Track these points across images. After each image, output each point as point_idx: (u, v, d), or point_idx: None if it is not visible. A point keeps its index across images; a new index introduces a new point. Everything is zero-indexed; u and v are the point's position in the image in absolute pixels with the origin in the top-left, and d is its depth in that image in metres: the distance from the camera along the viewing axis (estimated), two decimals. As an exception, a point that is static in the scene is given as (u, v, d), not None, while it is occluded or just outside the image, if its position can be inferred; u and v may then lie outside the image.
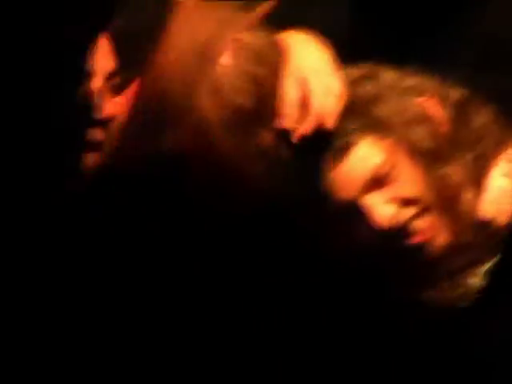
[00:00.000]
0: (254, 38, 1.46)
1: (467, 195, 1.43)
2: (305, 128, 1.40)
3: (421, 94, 1.48)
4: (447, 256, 1.42)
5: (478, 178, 1.44)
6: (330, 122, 1.40)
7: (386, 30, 1.65)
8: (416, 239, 1.42)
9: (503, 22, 1.67)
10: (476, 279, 1.44)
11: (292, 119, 1.41)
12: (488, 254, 1.44)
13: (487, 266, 1.44)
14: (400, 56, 1.52)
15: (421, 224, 1.42)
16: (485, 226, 1.43)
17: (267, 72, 1.43)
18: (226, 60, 1.44)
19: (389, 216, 1.40)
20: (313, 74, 1.43)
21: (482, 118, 1.46)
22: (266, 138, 1.42)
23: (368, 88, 1.47)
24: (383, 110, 1.44)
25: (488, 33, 1.62)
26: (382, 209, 1.40)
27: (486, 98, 1.50)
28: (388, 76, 1.49)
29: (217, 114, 1.40)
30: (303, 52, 1.45)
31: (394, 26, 1.64)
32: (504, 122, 1.49)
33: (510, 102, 1.51)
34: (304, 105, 1.41)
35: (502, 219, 1.44)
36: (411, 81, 1.49)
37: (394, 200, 1.40)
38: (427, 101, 1.47)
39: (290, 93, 1.42)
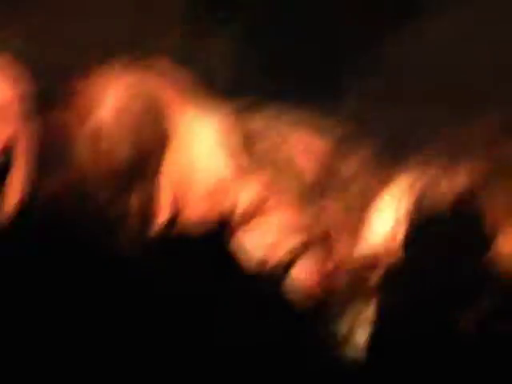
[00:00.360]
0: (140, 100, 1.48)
1: (341, 244, 1.44)
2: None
3: (298, 131, 1.49)
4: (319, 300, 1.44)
5: (352, 226, 1.44)
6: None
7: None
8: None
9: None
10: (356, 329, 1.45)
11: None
12: (361, 299, 1.45)
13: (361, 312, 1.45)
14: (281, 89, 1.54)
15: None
16: (363, 269, 1.44)
17: (149, 136, 1.46)
18: (108, 112, 1.47)
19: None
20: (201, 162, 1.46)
21: (351, 167, 1.47)
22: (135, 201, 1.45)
23: (251, 124, 1.50)
24: (262, 147, 1.46)
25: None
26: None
27: (371, 133, 1.51)
28: (269, 112, 1.51)
29: (94, 164, 1.44)
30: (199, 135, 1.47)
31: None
32: (380, 164, 1.49)
33: (396, 136, 1.52)
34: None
35: (385, 261, 1.45)
36: (290, 117, 1.51)
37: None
38: (298, 146, 1.48)
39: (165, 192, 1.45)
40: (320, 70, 1.63)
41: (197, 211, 1.44)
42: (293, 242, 1.46)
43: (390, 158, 1.50)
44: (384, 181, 1.45)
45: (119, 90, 1.50)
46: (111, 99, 1.50)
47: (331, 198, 1.44)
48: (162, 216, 1.44)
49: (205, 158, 1.48)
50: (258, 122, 1.50)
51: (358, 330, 1.44)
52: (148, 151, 1.48)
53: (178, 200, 1.44)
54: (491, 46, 1.69)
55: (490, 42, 1.67)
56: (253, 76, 1.60)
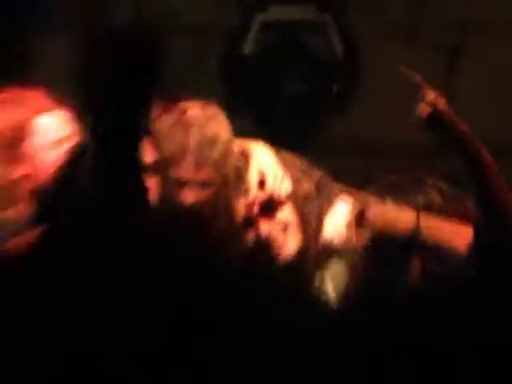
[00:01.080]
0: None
1: (317, 229, 2.36)
2: (261, 198, 2.32)
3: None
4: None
5: (321, 220, 2.44)
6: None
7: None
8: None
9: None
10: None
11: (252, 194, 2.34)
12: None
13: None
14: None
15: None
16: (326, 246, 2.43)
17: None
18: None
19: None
20: (267, 168, 2.41)
21: (323, 195, 2.43)
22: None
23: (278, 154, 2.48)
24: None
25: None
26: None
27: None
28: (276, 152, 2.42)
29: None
30: (261, 155, 2.45)
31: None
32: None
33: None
34: (261, 185, 2.35)
35: (337, 241, 2.41)
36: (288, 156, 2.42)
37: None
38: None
39: (254, 176, 2.38)
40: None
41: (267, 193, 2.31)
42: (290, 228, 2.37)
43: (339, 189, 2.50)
44: (333, 201, 2.44)
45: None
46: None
47: (313, 206, 2.38)
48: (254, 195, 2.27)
49: (269, 166, 2.39)
50: (283, 156, 2.47)
51: (328, 282, 2.34)
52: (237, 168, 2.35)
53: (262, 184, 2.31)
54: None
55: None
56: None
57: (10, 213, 1.96)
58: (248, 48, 3.96)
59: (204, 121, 2.31)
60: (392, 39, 3.98)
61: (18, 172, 1.96)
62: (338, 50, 3.86)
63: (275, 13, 4.05)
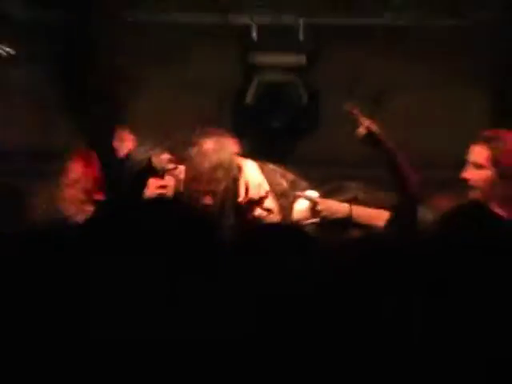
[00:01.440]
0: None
1: (289, 212, 3.15)
2: (247, 199, 3.02)
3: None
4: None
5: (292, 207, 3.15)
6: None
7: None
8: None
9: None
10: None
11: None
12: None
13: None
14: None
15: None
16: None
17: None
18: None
19: None
20: (251, 178, 3.05)
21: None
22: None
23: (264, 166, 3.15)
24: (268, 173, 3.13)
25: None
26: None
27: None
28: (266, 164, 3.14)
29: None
30: (248, 168, 3.07)
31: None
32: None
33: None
34: (246, 190, 3.03)
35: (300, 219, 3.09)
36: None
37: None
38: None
39: (242, 186, 3.02)
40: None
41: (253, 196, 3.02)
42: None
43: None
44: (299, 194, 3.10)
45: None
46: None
47: (287, 198, 3.14)
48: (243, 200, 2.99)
49: (253, 176, 3.08)
50: (267, 166, 3.15)
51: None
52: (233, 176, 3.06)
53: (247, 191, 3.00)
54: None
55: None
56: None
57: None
58: (249, 99, 5.15)
59: (213, 152, 3.08)
60: (341, 91, 4.89)
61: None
62: (305, 99, 5.14)
63: (267, 75, 5.21)
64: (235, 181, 3.06)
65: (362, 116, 2.93)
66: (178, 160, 3.22)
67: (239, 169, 3.09)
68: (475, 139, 3.20)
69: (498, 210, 2.81)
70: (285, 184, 3.17)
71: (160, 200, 2.39)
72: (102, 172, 2.98)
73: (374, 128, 2.92)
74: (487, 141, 3.17)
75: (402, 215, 2.93)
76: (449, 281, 1.77)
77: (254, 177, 3.10)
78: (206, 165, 3.08)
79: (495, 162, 3.13)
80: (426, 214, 2.95)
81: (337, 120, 3.92)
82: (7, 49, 4.80)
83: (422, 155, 4.26)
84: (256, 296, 1.68)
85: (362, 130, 2.94)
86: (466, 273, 1.79)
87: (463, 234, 1.92)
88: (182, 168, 3.21)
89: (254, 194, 3.06)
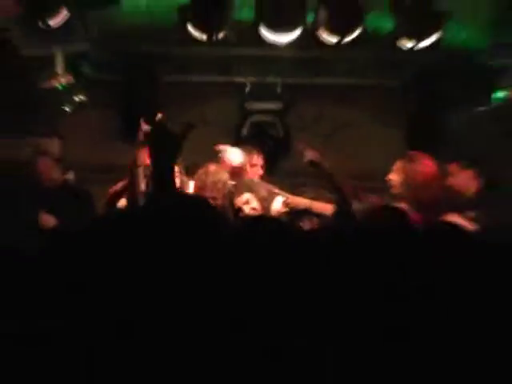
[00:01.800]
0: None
1: (268, 209, 4.08)
2: (239, 203, 3.98)
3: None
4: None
5: (270, 206, 4.08)
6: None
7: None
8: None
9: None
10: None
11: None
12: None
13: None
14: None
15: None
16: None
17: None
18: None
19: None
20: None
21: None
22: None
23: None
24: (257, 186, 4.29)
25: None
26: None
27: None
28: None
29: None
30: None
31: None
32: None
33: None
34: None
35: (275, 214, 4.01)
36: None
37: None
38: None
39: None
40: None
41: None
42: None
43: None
44: (276, 197, 4.03)
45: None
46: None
47: (267, 201, 4.07)
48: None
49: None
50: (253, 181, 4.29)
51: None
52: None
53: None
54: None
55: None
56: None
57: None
58: (244, 133, 6.32)
59: (215, 172, 3.79)
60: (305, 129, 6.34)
61: None
62: (281, 133, 6.41)
63: (256, 117, 6.35)
64: (230, 191, 3.94)
65: (308, 149, 3.71)
66: (190, 176, 4.00)
67: (234, 186, 3.96)
68: (399, 158, 3.84)
69: (415, 215, 3.33)
70: (264, 192, 4.06)
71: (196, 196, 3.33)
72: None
73: (315, 157, 3.66)
74: (407, 158, 3.84)
75: (341, 208, 3.62)
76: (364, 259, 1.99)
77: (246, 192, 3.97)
78: (210, 179, 3.94)
79: (408, 172, 3.73)
80: (359, 206, 3.55)
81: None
82: (82, 97, 6.41)
83: (362, 169, 5.65)
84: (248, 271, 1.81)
85: (306, 159, 3.73)
86: (375, 253, 2.01)
87: (379, 225, 2.21)
88: (191, 183, 3.91)
89: (242, 200, 3.99)
